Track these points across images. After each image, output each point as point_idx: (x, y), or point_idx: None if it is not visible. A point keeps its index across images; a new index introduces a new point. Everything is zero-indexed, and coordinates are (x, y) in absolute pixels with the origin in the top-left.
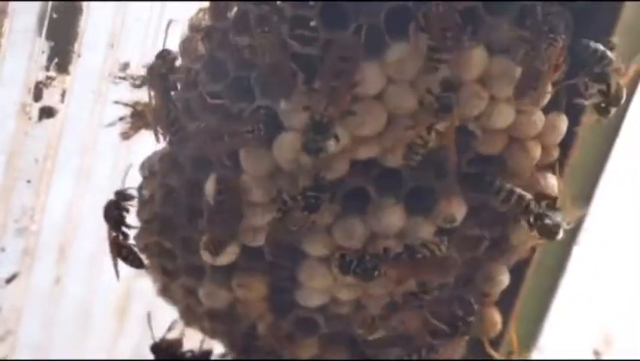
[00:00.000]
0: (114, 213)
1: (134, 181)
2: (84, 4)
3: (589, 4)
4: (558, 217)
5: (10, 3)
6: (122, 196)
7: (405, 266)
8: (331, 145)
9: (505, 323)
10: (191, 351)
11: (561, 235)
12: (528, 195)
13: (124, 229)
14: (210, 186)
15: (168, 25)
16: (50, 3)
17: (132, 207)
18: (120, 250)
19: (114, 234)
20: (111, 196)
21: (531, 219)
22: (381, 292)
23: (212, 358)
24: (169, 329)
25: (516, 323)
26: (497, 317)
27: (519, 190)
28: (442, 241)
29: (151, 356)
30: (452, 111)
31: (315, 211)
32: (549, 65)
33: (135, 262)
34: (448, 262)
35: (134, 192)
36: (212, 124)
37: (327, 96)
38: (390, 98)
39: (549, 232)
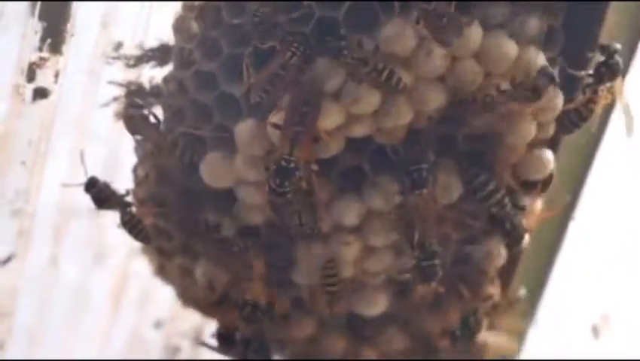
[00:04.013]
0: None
1: (130, 160)
2: None
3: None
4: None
5: None
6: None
7: None
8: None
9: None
10: None
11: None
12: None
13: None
14: (205, 166)
15: None
16: None
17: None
18: (131, 219)
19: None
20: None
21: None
22: (379, 267)
23: None
24: None
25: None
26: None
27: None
28: None
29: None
30: None
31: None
32: None
33: (141, 235)
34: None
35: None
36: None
37: (291, 141)
38: None
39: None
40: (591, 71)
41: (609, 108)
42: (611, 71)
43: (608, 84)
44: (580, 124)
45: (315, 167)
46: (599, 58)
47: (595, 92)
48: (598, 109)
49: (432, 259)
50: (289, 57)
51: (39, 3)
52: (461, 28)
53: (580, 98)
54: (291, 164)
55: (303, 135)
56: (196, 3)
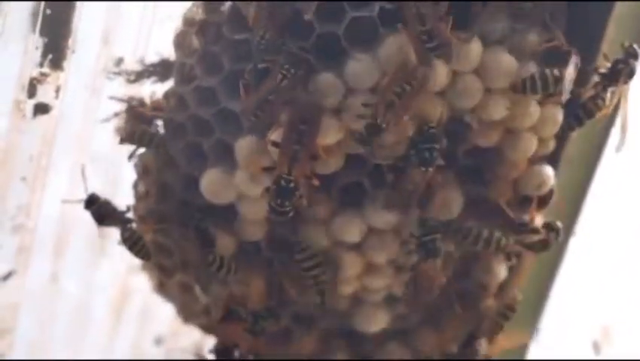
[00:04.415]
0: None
1: (130, 176)
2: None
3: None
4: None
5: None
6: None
7: None
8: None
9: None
10: None
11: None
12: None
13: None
14: (206, 182)
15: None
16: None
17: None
18: (132, 236)
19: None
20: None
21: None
22: (379, 285)
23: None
24: None
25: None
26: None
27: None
28: None
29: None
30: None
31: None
32: None
33: (141, 252)
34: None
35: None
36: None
37: (290, 160)
38: None
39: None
40: (604, 69)
41: (609, 123)
42: (627, 72)
43: (618, 86)
44: (584, 121)
45: (316, 182)
46: (618, 56)
47: (605, 89)
48: (607, 109)
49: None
50: (280, 80)
51: (40, 19)
52: (450, 56)
53: (589, 92)
54: (290, 184)
55: (301, 154)
56: (197, 18)
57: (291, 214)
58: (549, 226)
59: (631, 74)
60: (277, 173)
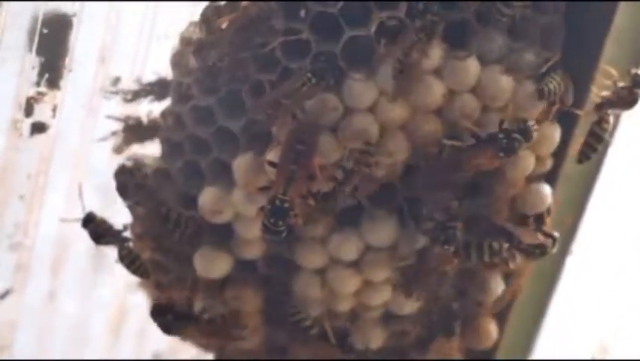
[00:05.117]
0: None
1: None
2: (74, 19)
3: (580, 12)
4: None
5: (0, 18)
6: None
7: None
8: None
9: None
10: None
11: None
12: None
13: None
14: (203, 200)
15: None
16: (40, 18)
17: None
18: (129, 255)
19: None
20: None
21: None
22: (377, 303)
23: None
24: None
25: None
26: (492, 327)
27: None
28: None
29: None
30: None
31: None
32: None
33: (139, 271)
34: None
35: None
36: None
37: (287, 180)
38: (382, 111)
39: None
40: (609, 93)
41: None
42: (629, 99)
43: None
44: (597, 146)
45: (312, 202)
46: (622, 82)
47: (608, 112)
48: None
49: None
50: (300, 86)
51: (37, 38)
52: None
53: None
54: (285, 204)
55: (298, 174)
56: (194, 37)
57: (284, 234)
58: (545, 233)
59: (631, 102)
60: (273, 193)
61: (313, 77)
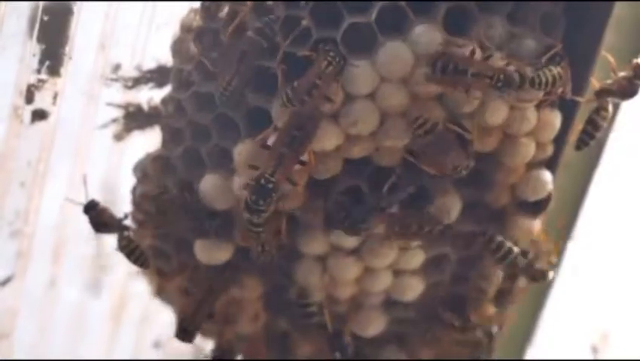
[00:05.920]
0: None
1: (128, 182)
2: (75, 6)
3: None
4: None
5: (0, 6)
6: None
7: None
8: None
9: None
10: None
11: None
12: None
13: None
14: (204, 187)
15: None
16: (40, 5)
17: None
18: (129, 244)
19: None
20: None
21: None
22: (378, 289)
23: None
24: None
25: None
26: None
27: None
28: None
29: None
30: None
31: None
32: None
33: (139, 260)
34: None
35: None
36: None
37: (277, 161)
38: (382, 97)
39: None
40: (609, 82)
41: (607, 128)
42: (629, 90)
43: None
44: (595, 134)
45: (300, 189)
46: (627, 73)
47: (608, 100)
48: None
49: None
50: (325, 66)
51: (37, 25)
52: None
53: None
54: (269, 184)
55: (288, 158)
56: (194, 24)
57: (264, 214)
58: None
59: (633, 93)
60: (260, 171)
61: (336, 55)
